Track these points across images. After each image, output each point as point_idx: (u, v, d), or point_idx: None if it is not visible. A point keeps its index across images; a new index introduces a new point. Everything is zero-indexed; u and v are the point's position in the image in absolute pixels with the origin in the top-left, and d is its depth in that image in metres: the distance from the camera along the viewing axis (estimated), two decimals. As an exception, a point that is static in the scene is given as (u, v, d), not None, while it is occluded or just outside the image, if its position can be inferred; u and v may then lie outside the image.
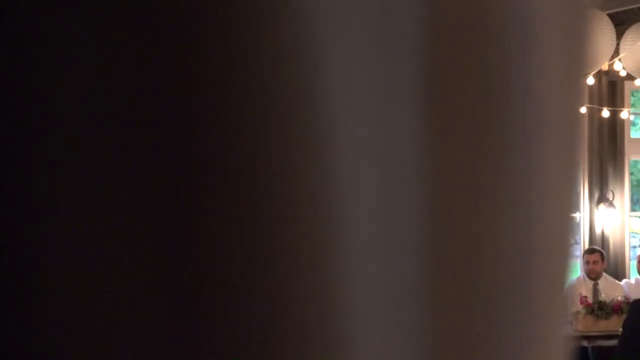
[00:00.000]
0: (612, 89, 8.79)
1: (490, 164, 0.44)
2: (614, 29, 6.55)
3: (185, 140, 0.35)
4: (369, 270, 0.40)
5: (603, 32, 6.14)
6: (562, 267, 0.49)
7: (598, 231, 8.99)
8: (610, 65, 7.10)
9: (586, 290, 7.44)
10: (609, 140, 8.99)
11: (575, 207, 0.51)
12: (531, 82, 0.44)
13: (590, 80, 7.29)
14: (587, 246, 8.65)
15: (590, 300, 7.04)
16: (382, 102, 0.40)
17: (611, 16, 6.72)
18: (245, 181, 0.35)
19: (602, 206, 8.94)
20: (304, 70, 0.36)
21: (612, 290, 7.50)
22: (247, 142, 0.35)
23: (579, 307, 6.83)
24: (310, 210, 0.37)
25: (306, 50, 0.36)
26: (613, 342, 6.16)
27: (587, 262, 7.61)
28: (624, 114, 8.35)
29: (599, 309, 6.75)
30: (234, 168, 0.35)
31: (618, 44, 6.87)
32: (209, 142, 0.35)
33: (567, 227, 0.49)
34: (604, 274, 7.70)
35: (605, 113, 8.13)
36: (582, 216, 8.96)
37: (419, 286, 0.42)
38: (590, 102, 8.22)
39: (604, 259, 7.76)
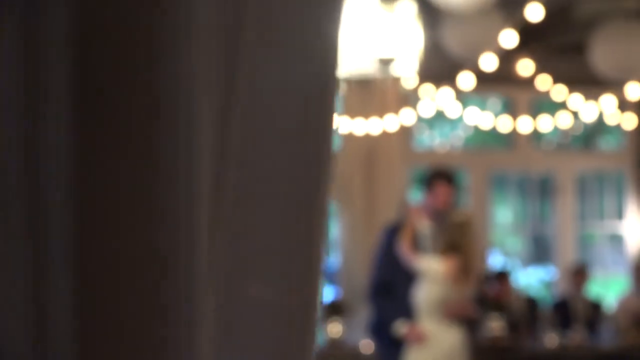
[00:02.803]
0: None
1: (136, 162, 0.44)
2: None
3: None
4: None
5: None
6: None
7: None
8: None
9: (637, 304, 7.37)
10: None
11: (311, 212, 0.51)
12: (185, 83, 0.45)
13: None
14: (637, 259, 8.54)
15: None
16: (28, 100, 0.43)
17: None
18: None
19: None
20: None
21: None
22: None
23: (630, 322, 6.78)
24: None
25: None
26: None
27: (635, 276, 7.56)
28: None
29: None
30: None
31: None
32: None
33: (293, 234, 0.51)
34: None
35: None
36: (630, 228, 8.83)
37: (64, 285, 0.43)
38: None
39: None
